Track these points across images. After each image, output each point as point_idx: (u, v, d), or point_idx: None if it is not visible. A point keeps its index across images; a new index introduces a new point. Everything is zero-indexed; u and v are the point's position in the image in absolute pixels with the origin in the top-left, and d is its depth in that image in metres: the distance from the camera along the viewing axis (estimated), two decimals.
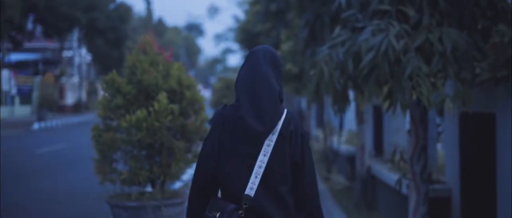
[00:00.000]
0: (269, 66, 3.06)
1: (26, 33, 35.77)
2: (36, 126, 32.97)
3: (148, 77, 5.83)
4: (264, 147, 2.94)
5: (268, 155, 2.93)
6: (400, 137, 10.66)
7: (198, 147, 6.07)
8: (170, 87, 5.92)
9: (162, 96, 5.72)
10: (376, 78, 5.60)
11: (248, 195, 2.89)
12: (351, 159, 12.24)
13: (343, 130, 15.57)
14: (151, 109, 5.73)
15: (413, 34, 5.60)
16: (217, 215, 2.89)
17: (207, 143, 3.02)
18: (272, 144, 2.95)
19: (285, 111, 3.04)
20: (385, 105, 8.90)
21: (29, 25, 37.26)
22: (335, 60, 5.93)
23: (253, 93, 2.98)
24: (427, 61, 5.58)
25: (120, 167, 6.05)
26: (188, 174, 10.86)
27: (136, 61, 5.98)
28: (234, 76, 23.61)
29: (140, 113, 5.70)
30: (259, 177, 2.91)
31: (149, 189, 6.12)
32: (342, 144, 13.58)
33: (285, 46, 13.01)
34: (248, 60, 3.11)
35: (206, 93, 20.74)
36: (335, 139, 14.58)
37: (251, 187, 2.91)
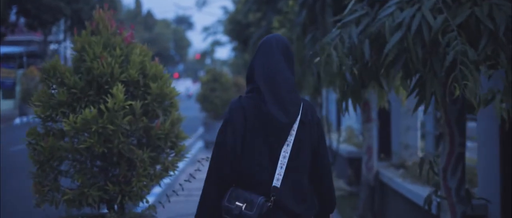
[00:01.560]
0: (282, 56, 3.11)
1: (9, 25, 34.71)
2: (17, 120, 31.59)
3: (99, 64, 4.38)
4: (288, 137, 3.00)
5: (291, 144, 3.00)
6: (411, 137, 9.25)
7: (167, 157, 4.64)
8: (129, 77, 4.47)
9: (118, 90, 4.27)
10: (405, 67, 4.17)
11: (275, 187, 2.96)
12: (352, 161, 10.82)
13: (341, 127, 14.17)
14: (103, 106, 4.28)
15: (454, 8, 4.18)
16: (243, 206, 2.93)
17: (226, 136, 2.99)
18: (294, 133, 3.01)
19: (302, 99, 3.11)
20: (404, 101, 7.49)
21: (12, 17, 36.22)
22: (347, 44, 4.49)
23: (273, 85, 3.03)
24: (472, 44, 4.17)
25: (66, 183, 4.62)
26: (155, 193, 9.42)
27: (85, 44, 4.53)
28: (222, 69, 22.07)
29: (88, 113, 4.25)
30: (284, 167, 2.98)
31: (105, 211, 4.69)
32: (340, 143, 12.13)
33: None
34: (260, 51, 3.14)
35: (195, 88, 19.42)
36: (333, 137, 13.13)
37: (278, 178, 2.97)
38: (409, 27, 4.04)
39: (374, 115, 8.82)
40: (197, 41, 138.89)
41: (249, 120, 3.00)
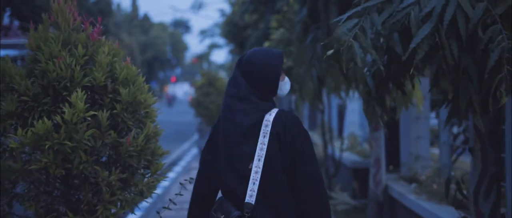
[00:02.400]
0: (242, 75, 3.15)
1: (2, 28, 34.01)
2: None
3: (56, 66, 3.55)
4: (258, 151, 2.98)
5: (263, 159, 2.95)
6: (421, 147, 8.43)
7: (142, 179, 3.80)
8: (95, 82, 3.63)
9: (77, 98, 3.44)
10: (438, 67, 3.35)
11: (249, 203, 2.95)
12: (357, 172, 9.97)
13: (343, 134, 13.31)
14: (58, 118, 3.44)
15: None
16: (222, 217, 3.00)
17: (203, 152, 3.27)
18: (265, 147, 2.98)
19: (275, 110, 3.08)
20: (419, 106, 6.66)
21: (6, 20, 35.54)
22: (371, 35, 3.65)
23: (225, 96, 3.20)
24: None
25: (18, 210, 3.79)
26: (143, 207, 8.56)
27: (41, 41, 3.70)
28: (219, 72, 21.24)
29: (41, 125, 3.41)
30: (257, 183, 2.95)
31: None
32: (342, 151, 11.25)
33: (276, 34, 10.71)
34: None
35: (193, 92, 18.58)
36: (335, 145, 12.27)
37: (251, 194, 2.96)
38: (441, 18, 3.22)
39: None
40: (194, 44, 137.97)
41: (219, 131, 3.13)
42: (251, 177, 2.95)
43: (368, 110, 4.24)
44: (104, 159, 3.79)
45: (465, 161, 11.30)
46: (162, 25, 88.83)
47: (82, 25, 3.85)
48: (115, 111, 3.65)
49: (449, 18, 3.11)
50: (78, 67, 3.59)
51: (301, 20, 7.64)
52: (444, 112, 7.70)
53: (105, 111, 3.59)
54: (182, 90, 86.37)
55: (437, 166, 8.53)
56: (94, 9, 41.57)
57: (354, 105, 13.63)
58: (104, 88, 3.69)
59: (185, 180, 3.91)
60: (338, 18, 3.71)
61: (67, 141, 3.44)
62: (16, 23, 38.95)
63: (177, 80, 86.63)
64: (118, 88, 3.69)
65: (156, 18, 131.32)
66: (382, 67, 3.55)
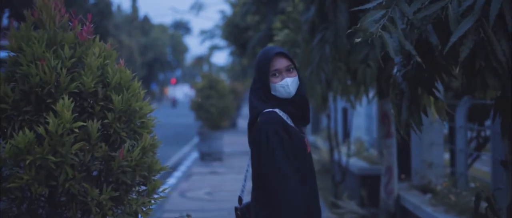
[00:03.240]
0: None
1: (1, 29, 33.72)
2: None
3: (39, 69, 3.12)
4: (251, 151, 3.20)
5: (250, 158, 3.23)
6: (435, 154, 8.00)
7: (137, 198, 3.36)
8: (83, 88, 3.20)
9: (63, 106, 3.00)
10: (488, 66, 2.90)
11: (240, 197, 3.33)
12: (365, 179, 9.52)
13: (350, 139, 12.86)
14: (41, 129, 3.01)
15: None
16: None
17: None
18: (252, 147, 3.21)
19: (266, 111, 3.14)
20: (434, 114, 6.22)
21: (4, 21, 35.26)
22: (402, 25, 3.19)
23: None
24: None
25: None
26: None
27: (22, 41, 3.26)
28: (219, 75, 20.84)
29: (22, 137, 2.98)
30: (247, 179, 3.29)
31: None
32: (346, 156, 10.76)
33: (280, 36, 10.27)
34: None
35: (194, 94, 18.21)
36: (338, 150, 11.79)
37: (242, 190, 3.31)
38: (484, 11, 2.78)
39: (393, 128, 7.54)
40: (195, 46, 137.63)
41: None
42: (244, 174, 3.32)
43: (401, 116, 3.79)
44: (95, 173, 3.37)
45: (477, 167, 10.88)
46: (162, 27, 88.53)
47: (70, 23, 3.42)
48: (106, 121, 3.22)
49: (495, 12, 2.67)
50: (64, 71, 3.16)
51: (308, 19, 7.20)
52: (460, 117, 7.27)
53: (95, 120, 3.16)
54: (182, 92, 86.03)
55: (447, 172, 8.12)
56: (93, 10, 41.40)
57: (360, 109, 13.17)
58: (94, 95, 3.26)
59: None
60: (360, 8, 3.26)
61: (51, 155, 3.01)
62: (16, 24, 38.96)
63: (177, 82, 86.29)
64: (110, 94, 3.26)
65: (156, 19, 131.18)
66: (418, 59, 3.08)
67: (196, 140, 20.59)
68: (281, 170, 3.02)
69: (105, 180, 3.24)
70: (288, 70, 3.17)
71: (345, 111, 14.34)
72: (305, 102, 3.25)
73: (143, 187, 3.40)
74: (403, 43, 3.00)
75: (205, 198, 10.59)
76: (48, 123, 3.04)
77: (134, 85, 3.37)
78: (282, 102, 3.16)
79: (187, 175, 13.66)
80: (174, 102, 64.16)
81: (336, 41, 6.71)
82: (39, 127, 3.05)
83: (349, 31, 3.24)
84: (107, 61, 3.34)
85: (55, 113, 3.06)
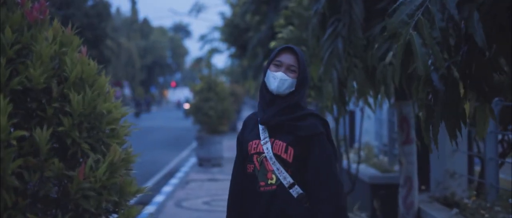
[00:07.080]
0: None
1: None
2: None
3: None
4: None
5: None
6: (457, 163, 7.19)
7: None
8: (31, 83, 2.38)
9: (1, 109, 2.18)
10: None
11: None
12: (377, 188, 8.70)
13: (356, 144, 12.04)
14: None
15: None
16: None
17: None
18: None
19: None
20: None
21: None
22: (440, 20, 2.43)
23: None
24: None
25: None
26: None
27: None
28: (218, 78, 19.95)
29: None
30: None
31: None
32: (358, 163, 9.93)
33: (284, 33, 9.43)
34: None
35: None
36: (347, 157, 10.96)
37: None
38: None
39: (413, 134, 6.71)
40: (195, 49, 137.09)
41: None
42: None
43: (431, 124, 3.02)
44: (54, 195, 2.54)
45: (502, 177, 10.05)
46: (161, 30, 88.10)
47: (17, 1, 2.60)
48: (61, 128, 2.40)
49: None
50: (3, 61, 2.34)
51: (318, 11, 6.38)
52: (489, 121, 6.45)
53: (45, 127, 2.34)
54: (182, 95, 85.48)
55: (473, 183, 7.34)
56: (91, 12, 40.74)
57: (369, 112, 12.35)
58: (46, 93, 2.43)
59: None
60: None
61: None
62: None
63: (177, 85, 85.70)
64: (67, 93, 2.44)
65: (155, 22, 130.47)
66: (453, 68, 2.33)
67: (194, 144, 19.79)
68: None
69: (60, 208, 2.41)
70: (289, 68, 3.07)
71: (351, 114, 13.56)
72: (288, 109, 3.06)
73: (114, 216, 2.57)
74: (432, 50, 2.24)
75: (202, 208, 9.80)
76: None
77: (100, 81, 2.54)
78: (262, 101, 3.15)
79: (184, 182, 12.83)
80: (179, 105, 66.97)
81: (350, 35, 5.91)
82: None
83: (382, 23, 2.46)
84: (65, 49, 2.52)
85: None
